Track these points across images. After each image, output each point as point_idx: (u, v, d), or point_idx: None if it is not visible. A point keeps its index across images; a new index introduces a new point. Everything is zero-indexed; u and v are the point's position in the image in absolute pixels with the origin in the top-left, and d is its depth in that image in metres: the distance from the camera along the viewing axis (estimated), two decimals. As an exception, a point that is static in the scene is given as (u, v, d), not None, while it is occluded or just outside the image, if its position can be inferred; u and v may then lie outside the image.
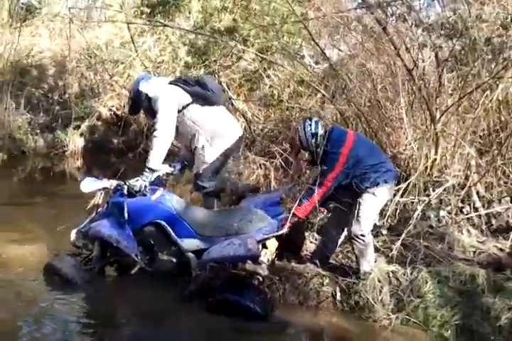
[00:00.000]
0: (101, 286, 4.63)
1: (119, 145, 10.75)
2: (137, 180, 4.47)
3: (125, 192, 4.37)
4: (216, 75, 9.77)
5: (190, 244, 4.32)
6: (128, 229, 4.35)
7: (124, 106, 11.17)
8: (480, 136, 5.36)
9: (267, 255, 4.43)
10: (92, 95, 11.10)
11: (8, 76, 10.35)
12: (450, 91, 5.26)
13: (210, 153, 4.84)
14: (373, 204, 4.37)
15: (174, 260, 4.38)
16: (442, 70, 5.05)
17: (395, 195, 5.08)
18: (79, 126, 10.69)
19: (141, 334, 4.03)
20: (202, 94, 4.84)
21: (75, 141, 10.51)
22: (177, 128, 4.75)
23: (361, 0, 5.23)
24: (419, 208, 4.92)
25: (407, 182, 4.95)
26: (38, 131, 10.57)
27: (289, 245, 4.79)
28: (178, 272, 4.43)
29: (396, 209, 5.00)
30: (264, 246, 4.32)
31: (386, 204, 5.08)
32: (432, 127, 5.08)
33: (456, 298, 4.21)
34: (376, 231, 5.09)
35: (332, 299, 4.41)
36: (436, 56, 5.07)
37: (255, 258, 4.14)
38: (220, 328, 4.06)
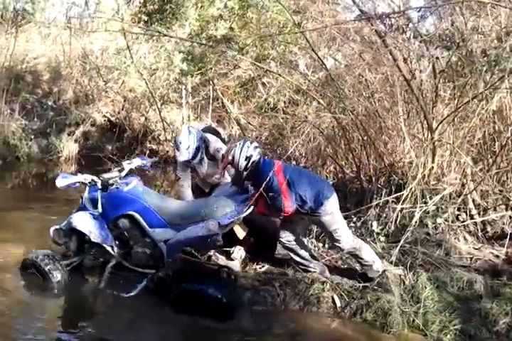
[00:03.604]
0: (78, 281, 4.69)
1: (114, 152, 10.75)
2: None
3: (99, 186, 4.51)
4: (211, 82, 9.89)
5: (161, 233, 4.46)
6: (102, 221, 4.52)
7: (119, 112, 11.25)
8: (475, 145, 5.47)
9: (240, 251, 4.77)
10: (86, 101, 11.10)
11: (2, 82, 10.31)
12: (447, 101, 5.37)
13: None
14: (336, 220, 4.49)
15: (148, 251, 4.50)
16: (439, 81, 5.16)
17: (393, 202, 5.21)
18: (73, 132, 10.68)
19: (115, 328, 4.13)
20: None
21: (69, 147, 10.47)
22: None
23: (360, 12, 5.33)
24: (417, 215, 5.02)
25: (405, 190, 5.03)
26: (32, 137, 10.47)
27: (263, 244, 5.02)
28: (152, 263, 4.54)
29: (394, 216, 5.09)
30: (233, 233, 4.54)
31: (384, 212, 5.23)
32: (428, 136, 5.19)
33: (455, 304, 4.31)
34: (374, 238, 5.20)
35: (333, 304, 4.48)
36: (433, 67, 5.18)
37: (215, 237, 4.34)
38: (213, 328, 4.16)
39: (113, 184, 4.57)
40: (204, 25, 8.78)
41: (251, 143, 4.50)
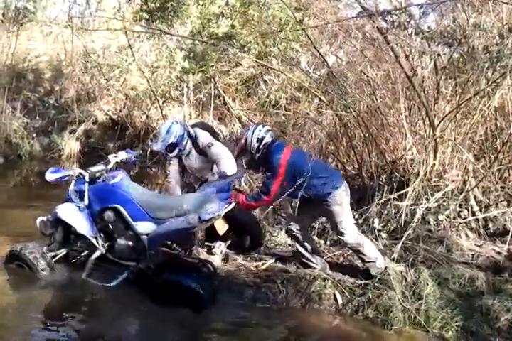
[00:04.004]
0: (64, 273, 4.69)
1: (115, 150, 10.75)
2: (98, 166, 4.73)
3: (87, 179, 4.56)
4: (213, 80, 9.88)
5: (144, 227, 4.47)
6: (88, 213, 4.57)
7: (120, 110, 11.25)
8: (477, 142, 5.47)
9: (221, 247, 4.89)
10: (88, 99, 11.11)
11: (4, 80, 10.32)
12: (448, 98, 5.36)
13: None
14: (343, 212, 4.52)
15: (131, 244, 4.53)
16: (441, 78, 5.16)
17: (394, 199, 5.21)
18: (75, 130, 10.69)
19: (104, 321, 4.15)
20: None
21: (70, 145, 10.48)
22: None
23: (362, 8, 5.31)
24: (419, 212, 5.01)
25: (409, 188, 5.02)
26: (34, 135, 10.51)
27: (244, 242, 5.14)
28: (135, 256, 4.56)
29: (396, 213, 5.09)
30: (214, 227, 4.64)
31: (386, 209, 5.23)
32: (430, 133, 5.18)
33: (457, 300, 4.30)
34: (375, 235, 5.19)
35: (334, 301, 4.48)
36: (435, 64, 5.17)
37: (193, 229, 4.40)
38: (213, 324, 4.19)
39: (100, 177, 4.63)
40: (205, 23, 8.77)
41: (263, 126, 4.65)
